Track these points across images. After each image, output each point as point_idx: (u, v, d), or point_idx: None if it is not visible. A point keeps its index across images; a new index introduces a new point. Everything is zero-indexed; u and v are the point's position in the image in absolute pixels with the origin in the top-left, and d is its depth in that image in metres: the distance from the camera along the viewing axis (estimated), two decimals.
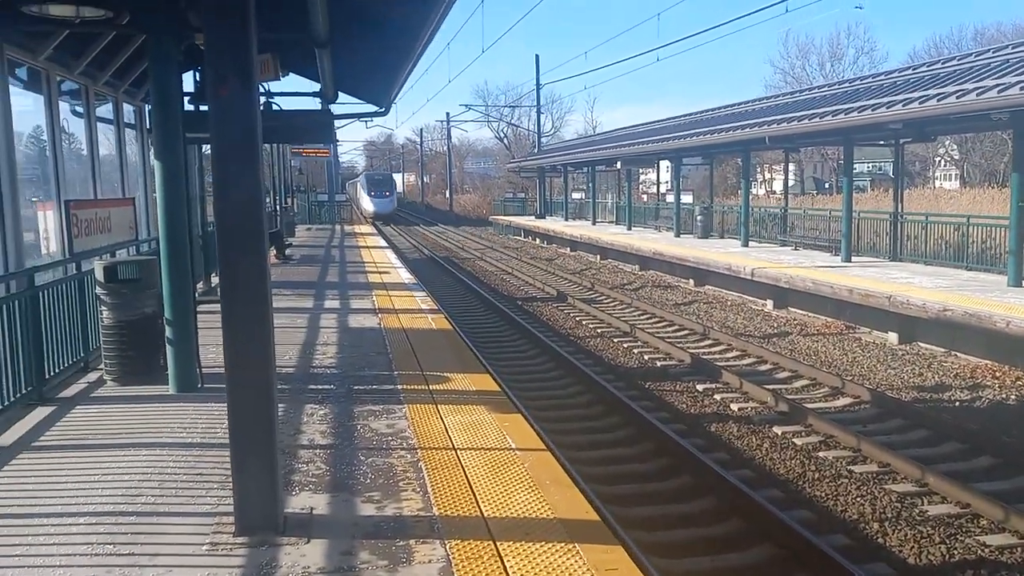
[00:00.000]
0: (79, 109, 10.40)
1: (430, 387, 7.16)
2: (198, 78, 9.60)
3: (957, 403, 9.73)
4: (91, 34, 8.58)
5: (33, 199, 9.04)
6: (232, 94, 3.84)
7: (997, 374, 10.69)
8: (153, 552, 3.98)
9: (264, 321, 4.10)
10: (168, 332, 6.99)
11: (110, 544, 4.05)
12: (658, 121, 36.01)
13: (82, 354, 7.78)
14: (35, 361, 6.63)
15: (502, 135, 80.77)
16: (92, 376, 7.61)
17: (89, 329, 7.87)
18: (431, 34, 7.63)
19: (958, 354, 11.80)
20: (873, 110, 15.67)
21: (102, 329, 7.33)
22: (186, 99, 7.83)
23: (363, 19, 8.35)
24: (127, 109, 12.17)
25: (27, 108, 8.94)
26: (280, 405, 5.23)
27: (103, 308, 7.25)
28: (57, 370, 7.19)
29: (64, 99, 9.75)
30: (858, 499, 6.87)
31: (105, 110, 11.40)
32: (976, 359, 11.42)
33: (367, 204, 55.35)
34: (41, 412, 6.43)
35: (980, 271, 15.14)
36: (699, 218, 25.93)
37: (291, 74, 12.50)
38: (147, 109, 12.26)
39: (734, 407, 9.60)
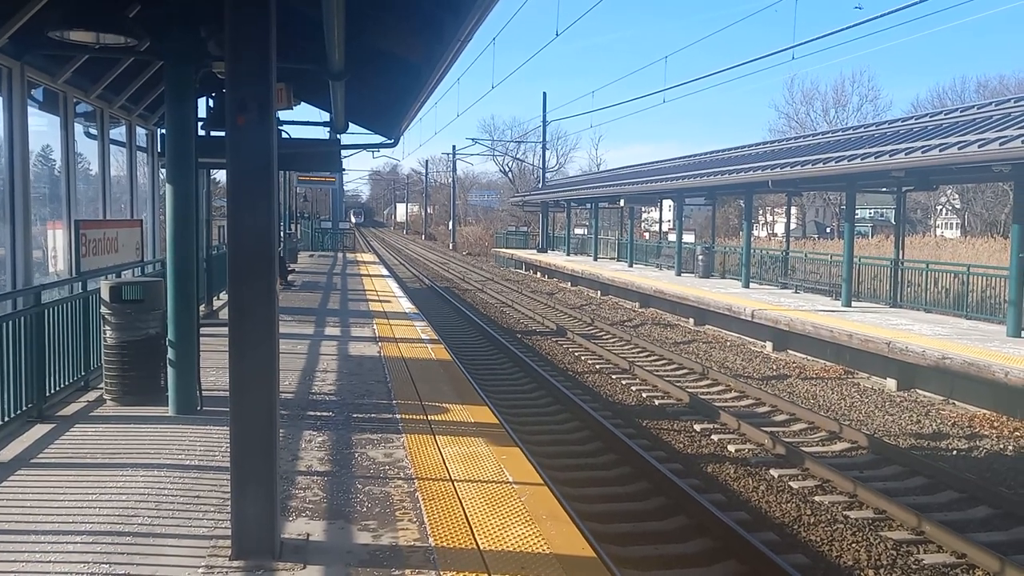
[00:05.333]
0: (92, 131, 10.55)
1: (428, 417, 7.18)
2: (211, 104, 9.76)
3: (955, 452, 9.72)
4: (110, 59, 8.74)
5: (39, 219, 9.13)
6: (250, 123, 3.93)
7: (995, 424, 10.68)
8: (149, 574, 3.98)
9: (270, 347, 4.15)
10: (170, 354, 7.03)
11: (106, 564, 4.06)
12: (662, 161, 36.37)
13: (83, 373, 7.80)
14: (37, 378, 6.66)
15: (507, 169, 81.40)
16: (92, 395, 7.63)
17: (91, 348, 7.91)
18: (444, 71, 7.78)
19: (956, 403, 11.80)
20: (876, 158, 15.84)
21: (104, 348, 7.36)
22: (199, 124, 7.96)
23: (378, 55, 8.52)
24: (140, 132, 12.33)
25: (39, 128, 9.08)
26: (279, 431, 5.25)
27: (107, 327, 7.29)
28: (58, 388, 7.21)
29: (79, 121, 9.90)
30: (853, 545, 6.85)
31: (118, 133, 11.55)
32: (974, 408, 11.42)
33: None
34: (40, 429, 6.45)
35: (980, 320, 15.18)
36: (700, 258, 26.05)
37: (302, 103, 12.68)
38: (159, 133, 12.44)
39: (731, 448, 9.59)
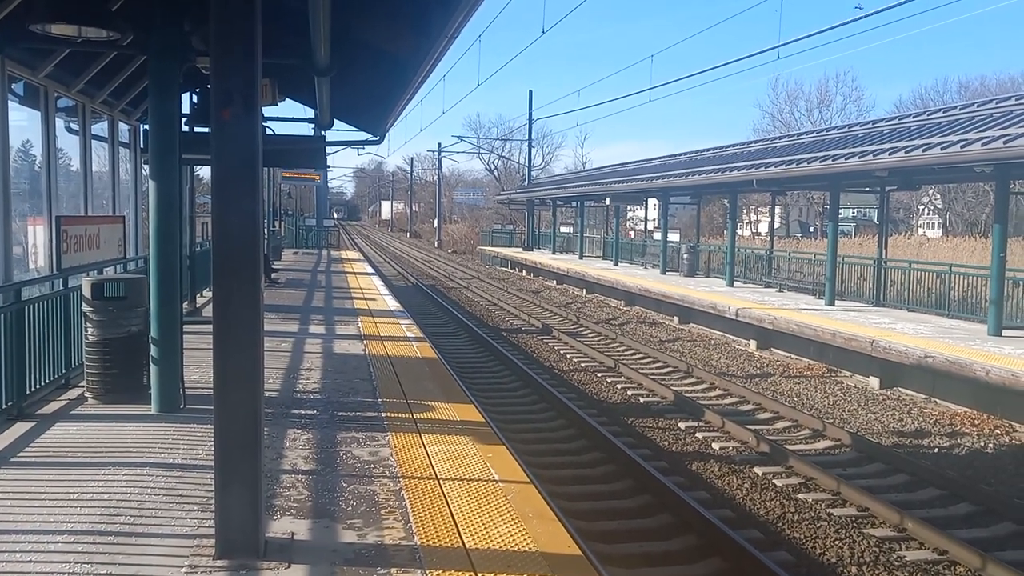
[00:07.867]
0: (74, 126, 10.42)
1: (414, 415, 7.16)
2: (195, 100, 9.66)
3: (936, 449, 9.80)
4: (92, 53, 8.64)
5: (20, 215, 9.01)
6: (235, 119, 3.90)
7: (976, 422, 10.79)
8: (132, 574, 3.94)
9: (255, 346, 4.12)
10: (153, 351, 6.96)
11: (88, 564, 4.01)
12: (648, 160, 36.46)
13: (64, 370, 7.72)
14: (16, 376, 6.58)
15: (492, 167, 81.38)
16: (73, 393, 7.54)
17: (72, 346, 7.82)
18: (431, 67, 7.75)
19: (938, 401, 11.90)
20: (860, 157, 15.94)
21: (86, 346, 7.27)
22: (182, 120, 7.88)
23: (365, 50, 8.47)
24: (122, 128, 12.20)
25: (19, 123, 8.96)
26: (264, 429, 5.21)
27: (88, 325, 7.21)
28: (38, 386, 7.13)
29: (60, 115, 9.78)
30: (837, 542, 6.90)
31: (99, 128, 11.43)
32: (956, 406, 11.52)
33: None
34: (20, 428, 6.37)
35: (962, 319, 15.31)
36: (685, 256, 26.13)
37: (287, 99, 12.59)
38: (142, 128, 12.31)
39: (715, 446, 9.63)
